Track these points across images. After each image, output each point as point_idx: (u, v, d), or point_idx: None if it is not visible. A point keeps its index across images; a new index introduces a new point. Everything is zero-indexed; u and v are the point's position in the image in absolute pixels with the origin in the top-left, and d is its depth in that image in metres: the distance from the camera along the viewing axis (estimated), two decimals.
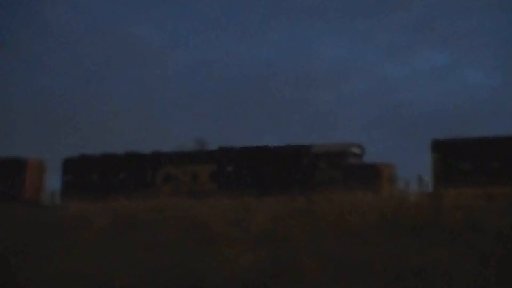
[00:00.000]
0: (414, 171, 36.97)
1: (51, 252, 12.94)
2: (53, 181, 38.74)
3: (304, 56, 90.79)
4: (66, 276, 11.20)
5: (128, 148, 38.51)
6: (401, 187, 32.16)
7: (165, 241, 13.42)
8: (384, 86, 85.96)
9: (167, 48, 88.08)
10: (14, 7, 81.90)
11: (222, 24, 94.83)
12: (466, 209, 15.31)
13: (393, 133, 76.19)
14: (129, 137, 60.04)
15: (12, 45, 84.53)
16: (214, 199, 21.24)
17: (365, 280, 10.58)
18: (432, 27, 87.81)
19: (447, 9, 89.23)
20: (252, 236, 13.53)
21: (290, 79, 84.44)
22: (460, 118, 71.10)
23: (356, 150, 33.73)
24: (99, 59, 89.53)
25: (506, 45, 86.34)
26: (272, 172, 33.19)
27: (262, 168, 33.50)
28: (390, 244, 12.40)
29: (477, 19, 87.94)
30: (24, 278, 10.43)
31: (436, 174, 32.68)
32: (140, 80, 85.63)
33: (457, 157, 32.58)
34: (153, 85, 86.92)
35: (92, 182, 35.55)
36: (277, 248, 12.47)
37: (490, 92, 79.54)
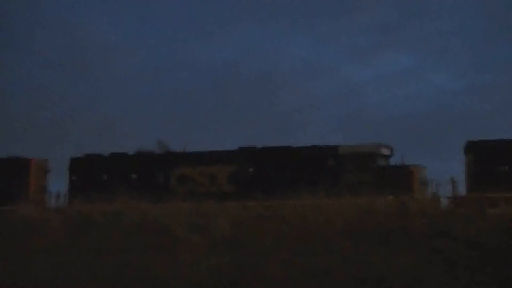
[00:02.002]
0: None
1: (3, 256, 12.60)
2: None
3: (267, 57, 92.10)
4: (19, 281, 10.88)
5: (86, 151, 38.46)
6: (433, 190, 31.94)
7: (123, 245, 13.19)
8: (349, 89, 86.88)
9: (126, 48, 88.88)
10: None
11: (183, 23, 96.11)
12: (433, 215, 15.09)
13: (358, 136, 77.31)
14: (85, 140, 60.28)
15: None
16: (176, 203, 20.88)
17: (331, 286, 10.28)
18: (397, 29, 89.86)
19: (412, 11, 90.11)
20: (213, 241, 13.29)
21: (253, 80, 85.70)
22: (424, 121, 72.59)
23: (385, 151, 33.40)
24: (51, 57, 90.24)
25: (471, 48, 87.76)
26: (295, 174, 32.84)
27: (285, 170, 33.19)
28: (354, 251, 12.23)
29: (442, 21, 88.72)
30: None
31: (470, 176, 32.28)
32: (95, 80, 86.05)
33: (492, 159, 32.15)
34: (110, 86, 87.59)
35: (101, 183, 35.27)
36: (238, 254, 12.25)
37: (454, 95, 79.81)
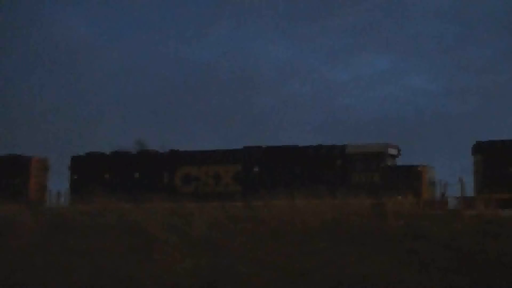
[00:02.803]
0: None
1: None
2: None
3: (245, 58, 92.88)
4: None
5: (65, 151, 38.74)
6: (441, 190, 32.12)
7: (99, 247, 13.33)
8: (326, 91, 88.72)
9: (104, 48, 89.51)
10: None
11: (161, 24, 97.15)
12: (408, 217, 15.34)
13: (336, 138, 77.46)
14: (61, 139, 60.67)
15: None
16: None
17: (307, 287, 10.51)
18: (374, 32, 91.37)
19: (389, 14, 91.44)
20: (191, 242, 13.45)
21: (231, 82, 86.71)
22: (402, 123, 73.14)
23: (392, 151, 33.51)
24: (26, 55, 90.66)
25: (448, 50, 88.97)
26: (302, 174, 32.96)
27: (291, 169, 33.30)
28: (331, 252, 12.44)
29: (419, 24, 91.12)
30: None
31: (479, 177, 32.45)
32: (72, 79, 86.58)
33: (502, 160, 32.31)
34: (87, 85, 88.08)
35: (104, 182, 35.35)
36: (215, 255, 12.42)
37: (432, 97, 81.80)
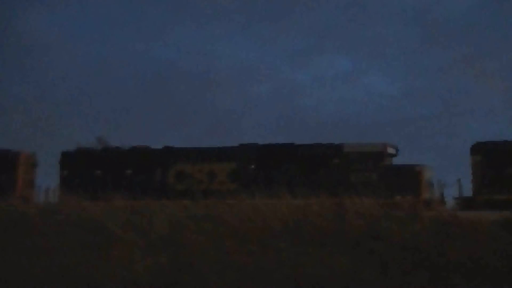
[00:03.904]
0: None
1: None
2: None
3: (206, 57, 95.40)
4: None
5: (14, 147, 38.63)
6: (440, 191, 32.38)
7: (57, 244, 13.38)
8: (287, 91, 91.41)
9: (67, 45, 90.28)
10: None
11: (121, 21, 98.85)
12: (368, 217, 15.59)
13: (296, 138, 79.05)
14: (19, 136, 61.00)
15: None
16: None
17: (266, 286, 10.69)
18: (335, 33, 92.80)
19: (350, 15, 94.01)
20: (150, 241, 13.59)
21: (191, 80, 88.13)
22: (361, 124, 74.88)
23: (391, 150, 33.64)
24: None
25: (407, 52, 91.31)
26: (298, 172, 33.02)
27: (288, 168, 33.34)
28: (291, 252, 12.70)
29: (379, 26, 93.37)
30: None
31: (477, 178, 32.70)
32: (30, 75, 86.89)
33: (501, 160, 32.57)
34: (44, 81, 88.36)
35: (94, 178, 35.30)
36: (175, 254, 12.58)
37: (391, 99, 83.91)
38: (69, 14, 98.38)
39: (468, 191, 32.82)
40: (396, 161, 34.13)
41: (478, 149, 33.00)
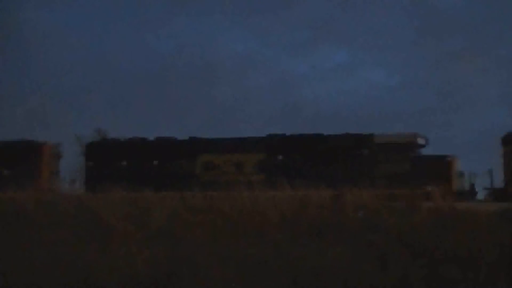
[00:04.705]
0: None
1: None
2: None
3: (204, 50, 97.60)
4: None
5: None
6: (470, 181, 32.41)
7: (55, 236, 13.52)
8: (285, 83, 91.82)
9: (61, 34, 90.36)
10: None
11: (120, 13, 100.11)
12: (367, 209, 15.66)
13: (293, 131, 79.30)
14: (18, 129, 61.65)
15: None
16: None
17: (262, 280, 10.87)
18: (333, 25, 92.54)
19: (348, 7, 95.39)
20: (149, 233, 13.71)
21: (189, 73, 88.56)
22: (359, 116, 75.91)
23: (421, 141, 33.63)
24: None
25: (405, 44, 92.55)
26: (328, 163, 33.07)
27: (317, 159, 33.41)
28: (289, 244, 12.74)
29: (377, 18, 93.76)
30: None
31: (508, 168, 32.64)
32: (27, 68, 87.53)
33: None
34: (43, 73, 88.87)
35: (120, 169, 35.58)
36: (173, 246, 12.70)
37: (389, 91, 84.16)
38: (68, 7, 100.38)
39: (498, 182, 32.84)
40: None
41: (510, 139, 32.93)
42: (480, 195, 32.77)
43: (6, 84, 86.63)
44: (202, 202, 17.75)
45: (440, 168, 31.91)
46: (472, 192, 31.96)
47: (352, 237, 13.51)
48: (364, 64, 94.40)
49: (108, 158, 36.51)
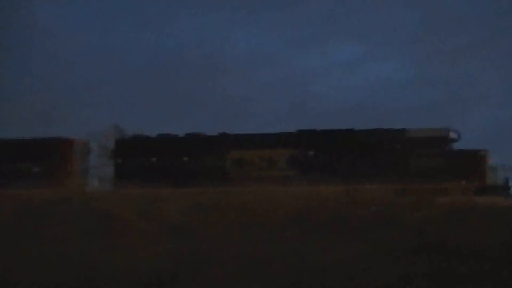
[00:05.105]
0: None
1: None
2: None
3: (213, 45, 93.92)
4: None
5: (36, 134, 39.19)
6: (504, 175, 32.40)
7: (66, 232, 13.70)
8: (295, 78, 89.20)
9: (69, 31, 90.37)
10: None
11: (128, 9, 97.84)
12: (380, 204, 15.73)
13: (305, 126, 78.82)
14: (31, 125, 61.84)
15: None
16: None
17: (269, 276, 10.98)
18: (343, 19, 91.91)
19: (358, 1, 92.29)
20: (160, 229, 13.86)
21: (198, 68, 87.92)
22: (371, 112, 73.70)
23: (453, 135, 33.62)
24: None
25: (417, 38, 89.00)
26: (359, 158, 33.17)
27: (348, 154, 33.50)
28: (299, 239, 12.83)
29: (388, 12, 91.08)
30: None
31: None
32: (34, 64, 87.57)
33: None
34: (52, 70, 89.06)
35: (150, 166, 35.85)
36: (184, 242, 12.85)
37: (403, 86, 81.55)
38: (77, 3, 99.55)
39: None
40: None
41: None
42: None
43: (15, 81, 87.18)
44: (213, 199, 17.98)
45: (473, 162, 31.97)
46: (506, 187, 31.99)
47: (363, 233, 13.66)
48: (376, 59, 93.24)
49: (137, 155, 36.81)
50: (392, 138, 33.43)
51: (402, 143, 33.26)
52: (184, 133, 37.28)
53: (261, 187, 19.65)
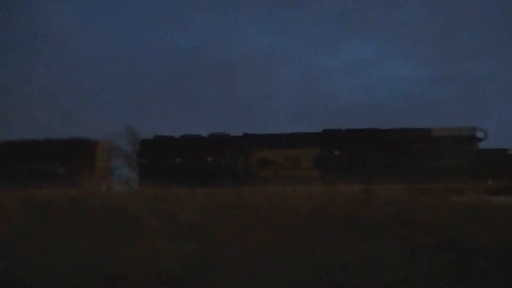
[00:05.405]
0: None
1: None
2: None
3: (229, 45, 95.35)
4: None
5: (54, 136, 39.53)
6: None
7: (85, 232, 13.72)
8: (310, 77, 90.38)
9: (84, 31, 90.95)
10: None
11: (144, 10, 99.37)
12: (398, 203, 15.59)
13: (318, 125, 78.35)
14: (46, 125, 62.27)
15: None
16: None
17: (291, 274, 10.92)
18: (359, 18, 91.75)
19: (373, 1, 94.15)
20: (178, 228, 13.85)
21: (215, 68, 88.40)
22: (387, 110, 73.90)
23: (480, 134, 33.49)
24: (13, 40, 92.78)
25: (433, 37, 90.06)
26: (385, 158, 33.11)
27: (374, 153, 33.45)
28: (319, 238, 12.75)
29: (403, 11, 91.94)
30: None
31: None
32: (52, 64, 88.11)
33: None
34: (71, 70, 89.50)
35: (174, 166, 36.03)
36: (202, 241, 12.79)
37: (417, 85, 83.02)
38: (95, 3, 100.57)
39: None
40: None
41: None
42: None
43: (33, 81, 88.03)
44: (231, 197, 18.00)
45: (502, 160, 31.80)
46: None
47: (382, 231, 13.65)
48: (391, 58, 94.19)
49: (161, 155, 37.01)
50: (419, 137, 33.34)
51: (428, 142, 33.15)
52: (208, 133, 37.44)
53: (279, 186, 19.63)
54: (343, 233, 13.37)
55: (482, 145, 34.28)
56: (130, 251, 12.29)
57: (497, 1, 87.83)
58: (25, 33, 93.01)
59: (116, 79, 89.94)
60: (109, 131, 40.71)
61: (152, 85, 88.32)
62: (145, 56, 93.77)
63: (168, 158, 36.76)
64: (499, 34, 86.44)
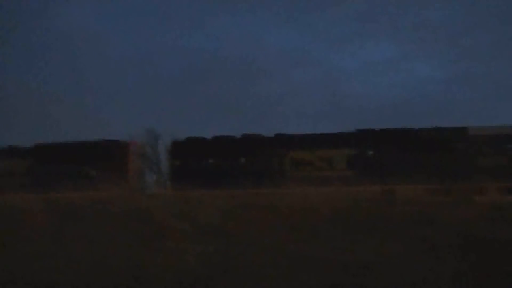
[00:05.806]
0: None
1: None
2: None
3: (250, 47, 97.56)
4: None
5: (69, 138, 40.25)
6: None
7: (108, 234, 13.75)
8: (332, 78, 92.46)
9: (105, 35, 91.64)
10: None
11: (165, 13, 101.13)
12: (421, 203, 15.41)
13: (340, 125, 79.62)
14: (66, 128, 62.94)
15: None
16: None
17: (314, 274, 10.82)
18: (380, 19, 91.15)
19: (395, 1, 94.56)
20: (201, 230, 13.80)
21: (236, 70, 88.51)
22: (409, 111, 75.44)
23: None
24: (35, 46, 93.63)
25: (454, 37, 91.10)
26: (420, 158, 32.87)
27: (409, 153, 33.23)
28: (341, 238, 12.64)
29: (425, 11, 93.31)
30: None
31: None
32: (74, 68, 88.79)
33: None
34: (90, 73, 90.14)
35: (207, 167, 36.15)
36: (226, 242, 12.73)
37: (439, 85, 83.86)
38: (113, 7, 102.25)
39: None
40: None
41: None
42: None
43: (50, 84, 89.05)
44: (254, 199, 18.04)
45: None
46: None
47: (405, 231, 13.58)
48: (413, 58, 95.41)
49: (194, 156, 37.15)
50: (455, 136, 33.06)
51: (465, 141, 32.88)
52: (241, 134, 37.52)
53: (301, 187, 19.69)
54: (365, 234, 13.42)
55: None
56: (153, 253, 12.41)
57: None
58: (48, 37, 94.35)
59: (135, 82, 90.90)
60: (128, 133, 41.12)
61: (173, 88, 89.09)
62: (164, 58, 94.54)
63: (200, 159, 36.91)
64: None
